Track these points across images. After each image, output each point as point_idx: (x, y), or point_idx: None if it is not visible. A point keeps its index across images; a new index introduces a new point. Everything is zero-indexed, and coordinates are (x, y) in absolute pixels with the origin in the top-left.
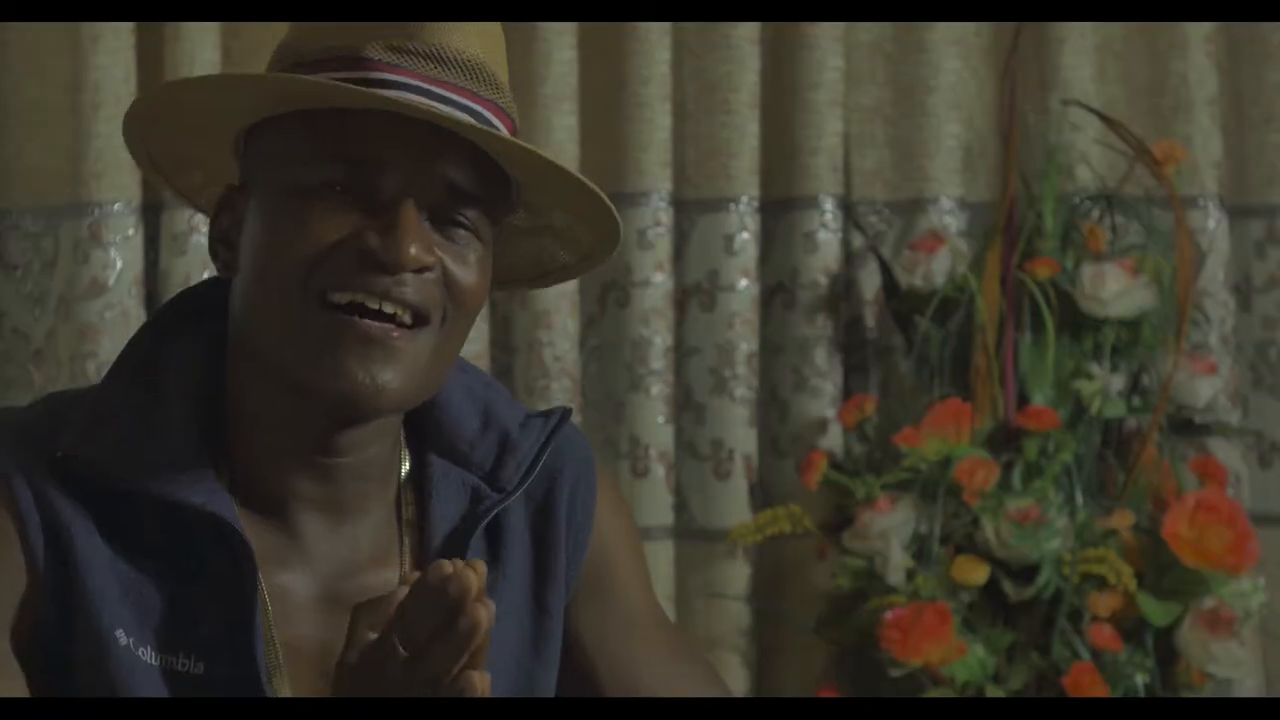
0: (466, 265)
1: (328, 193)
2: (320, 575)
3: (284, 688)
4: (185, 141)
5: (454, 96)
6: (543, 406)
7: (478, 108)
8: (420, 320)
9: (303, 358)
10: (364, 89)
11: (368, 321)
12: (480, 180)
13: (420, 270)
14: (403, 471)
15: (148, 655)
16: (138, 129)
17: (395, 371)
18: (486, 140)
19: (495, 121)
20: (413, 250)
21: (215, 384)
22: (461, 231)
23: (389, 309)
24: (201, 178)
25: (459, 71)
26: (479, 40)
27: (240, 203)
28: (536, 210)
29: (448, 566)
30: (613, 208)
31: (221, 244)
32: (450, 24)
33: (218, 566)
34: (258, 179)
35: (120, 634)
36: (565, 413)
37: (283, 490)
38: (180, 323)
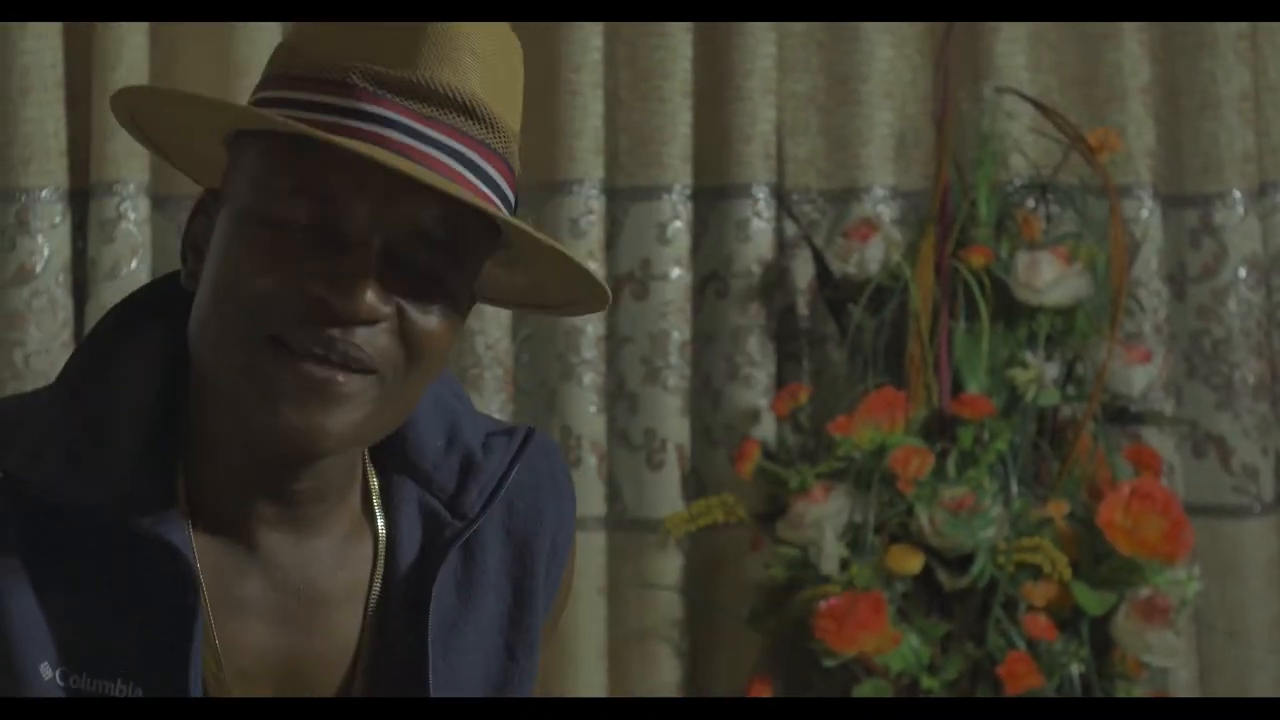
0: (428, 312)
1: (291, 229)
2: (281, 589)
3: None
4: (182, 132)
5: (438, 136)
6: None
7: (464, 149)
8: (368, 370)
9: (245, 395)
10: (320, 133)
11: (309, 366)
12: (455, 223)
13: (372, 322)
14: (374, 485)
15: (79, 683)
16: (126, 113)
17: (337, 417)
18: (452, 199)
19: (484, 165)
20: (365, 301)
21: (169, 394)
22: (427, 278)
23: (336, 359)
24: (201, 160)
25: (449, 109)
26: (479, 75)
27: (215, 210)
28: (517, 250)
29: None
30: (599, 280)
31: (191, 251)
32: (450, 52)
33: (160, 588)
34: (231, 191)
35: (45, 667)
36: (529, 433)
37: (242, 509)
38: (129, 329)
